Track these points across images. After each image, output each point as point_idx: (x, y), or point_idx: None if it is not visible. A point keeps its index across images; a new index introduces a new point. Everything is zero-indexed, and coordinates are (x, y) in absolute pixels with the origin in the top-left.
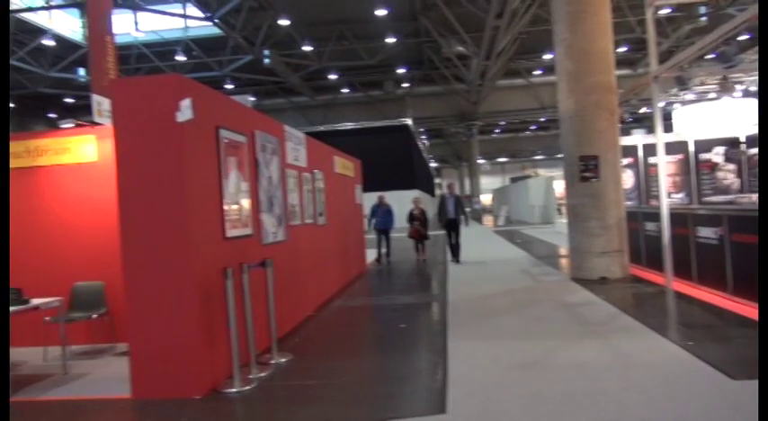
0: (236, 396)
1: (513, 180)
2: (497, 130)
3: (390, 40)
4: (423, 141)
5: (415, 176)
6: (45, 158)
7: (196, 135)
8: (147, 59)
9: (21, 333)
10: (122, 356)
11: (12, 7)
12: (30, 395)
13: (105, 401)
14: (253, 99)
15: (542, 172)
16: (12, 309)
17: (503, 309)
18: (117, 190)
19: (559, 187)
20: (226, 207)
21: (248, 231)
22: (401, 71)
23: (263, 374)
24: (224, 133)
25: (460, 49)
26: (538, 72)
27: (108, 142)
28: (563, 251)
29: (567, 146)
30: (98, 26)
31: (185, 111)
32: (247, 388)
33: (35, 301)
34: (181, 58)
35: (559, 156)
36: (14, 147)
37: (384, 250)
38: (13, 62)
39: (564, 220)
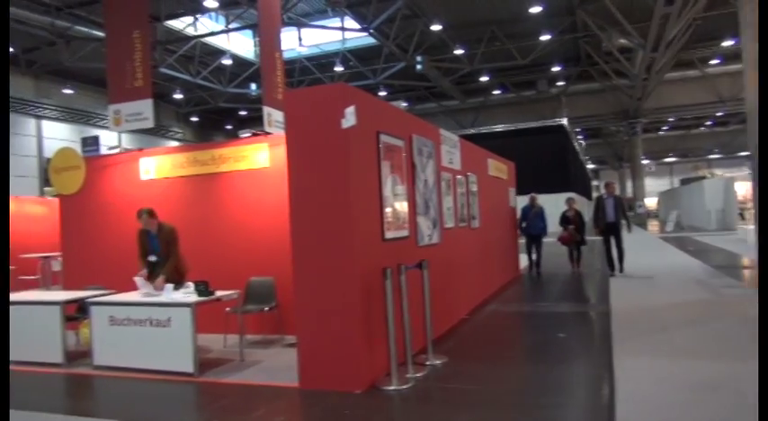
0: (394, 393)
1: (684, 181)
2: (665, 128)
3: (545, 37)
4: (579, 142)
5: (570, 178)
6: (227, 165)
7: (359, 140)
8: (309, 72)
9: (206, 321)
10: (290, 348)
11: (197, 32)
12: (214, 377)
13: (276, 388)
14: (405, 104)
15: (718, 172)
16: (200, 299)
17: (676, 323)
18: (288, 193)
19: (742, 189)
20: (384, 209)
21: (405, 233)
22: (556, 69)
23: (419, 374)
24: (384, 138)
25: (623, 41)
26: (714, 61)
27: (278, 149)
28: (747, 261)
29: (756, 142)
30: (269, 44)
31: (350, 117)
32: (405, 386)
33: (218, 293)
34: (339, 68)
35: (743, 154)
36: (202, 155)
37: (534, 257)
38: (197, 81)
39: (749, 226)
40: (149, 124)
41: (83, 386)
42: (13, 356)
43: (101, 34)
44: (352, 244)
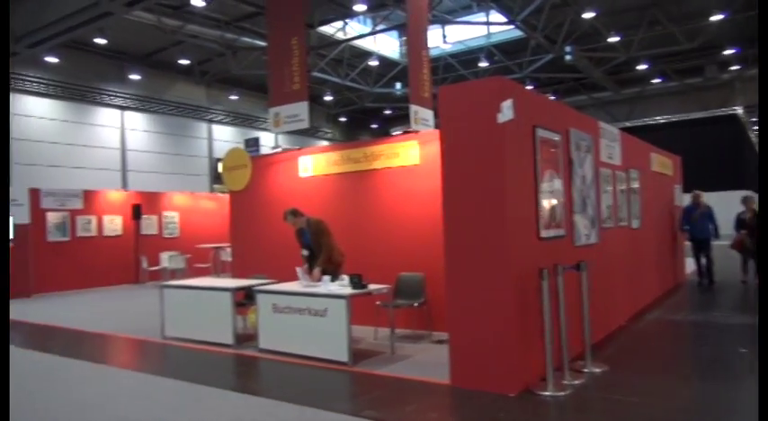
0: (550, 400)
1: None
2: None
3: (715, 17)
4: (756, 132)
5: (745, 174)
6: (378, 162)
7: (515, 135)
8: (452, 69)
9: (359, 313)
10: (439, 344)
11: (346, 36)
12: (367, 368)
13: (427, 384)
14: (553, 98)
15: None
16: (354, 292)
17: None
18: (441, 189)
19: None
20: (540, 207)
21: (561, 232)
22: (728, 52)
23: (576, 382)
24: (540, 132)
25: None
26: None
27: (428, 147)
28: None
29: None
30: (416, 43)
31: (506, 111)
32: (561, 393)
33: (370, 287)
34: (483, 64)
35: None
36: (355, 153)
37: (704, 262)
38: (346, 83)
39: None
40: (305, 125)
41: (249, 366)
42: (192, 335)
43: (262, 43)
44: (507, 242)
